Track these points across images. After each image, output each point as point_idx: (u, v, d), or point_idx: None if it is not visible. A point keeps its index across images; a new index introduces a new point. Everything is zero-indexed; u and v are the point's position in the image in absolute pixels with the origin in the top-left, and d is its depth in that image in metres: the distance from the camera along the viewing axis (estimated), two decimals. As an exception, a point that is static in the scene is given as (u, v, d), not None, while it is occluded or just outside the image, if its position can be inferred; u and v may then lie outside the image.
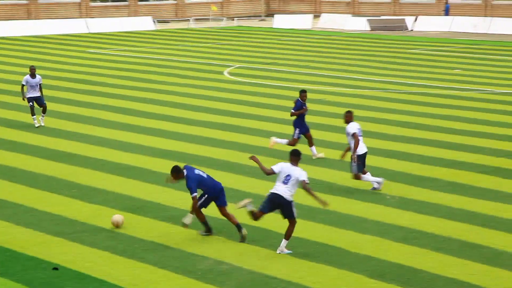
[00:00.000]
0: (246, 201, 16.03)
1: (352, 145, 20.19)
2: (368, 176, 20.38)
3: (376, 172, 21.65)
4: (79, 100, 34.11)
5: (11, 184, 20.92)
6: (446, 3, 72.97)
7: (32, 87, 27.96)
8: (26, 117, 29.93)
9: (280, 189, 15.65)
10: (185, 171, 16.34)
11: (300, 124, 23.47)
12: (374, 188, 20.36)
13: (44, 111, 28.25)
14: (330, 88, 38.11)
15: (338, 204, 19.27)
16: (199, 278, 14.53)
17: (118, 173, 22.08)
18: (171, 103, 33.55)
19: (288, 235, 15.75)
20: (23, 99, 28.36)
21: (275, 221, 17.79)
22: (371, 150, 24.51)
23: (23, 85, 28.09)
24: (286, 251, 15.74)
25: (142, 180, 21.36)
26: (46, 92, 31.81)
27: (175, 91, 36.90)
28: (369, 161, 22.94)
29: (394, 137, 26.95)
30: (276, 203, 15.70)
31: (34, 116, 28.05)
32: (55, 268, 12.08)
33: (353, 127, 20.25)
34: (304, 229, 17.33)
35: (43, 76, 40.49)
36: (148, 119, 30.13)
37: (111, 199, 19.50)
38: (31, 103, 27.97)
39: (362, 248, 16.20)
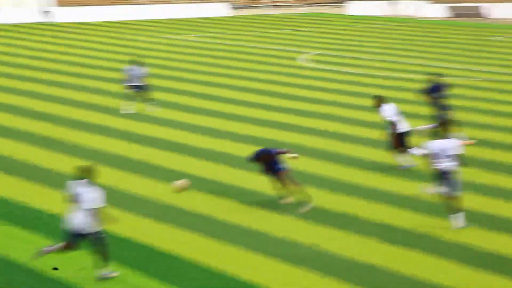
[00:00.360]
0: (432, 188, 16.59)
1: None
2: (414, 150, 20.87)
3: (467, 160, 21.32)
4: (156, 85, 34.36)
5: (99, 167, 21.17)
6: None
7: (136, 77, 28.42)
8: (111, 102, 30.35)
9: (443, 163, 16.07)
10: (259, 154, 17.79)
11: (441, 106, 23.39)
12: (405, 167, 20.83)
13: (147, 100, 28.58)
14: (407, 75, 37.67)
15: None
16: (293, 263, 14.42)
17: (200, 157, 22.17)
18: (247, 89, 33.60)
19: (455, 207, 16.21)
20: (124, 88, 28.81)
21: (364, 208, 17.68)
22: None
23: (128, 75, 28.55)
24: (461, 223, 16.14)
25: (225, 164, 21.40)
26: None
27: (250, 76, 36.93)
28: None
29: (483, 125, 26.53)
30: (444, 176, 16.09)
31: (130, 103, 28.51)
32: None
33: (385, 110, 20.79)
34: (386, 215, 17.17)
35: (118, 61, 41.02)
36: (226, 104, 30.23)
37: (194, 182, 19.55)
38: (131, 90, 28.43)
39: (448, 234, 15.94)
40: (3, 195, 18.63)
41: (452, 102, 30.43)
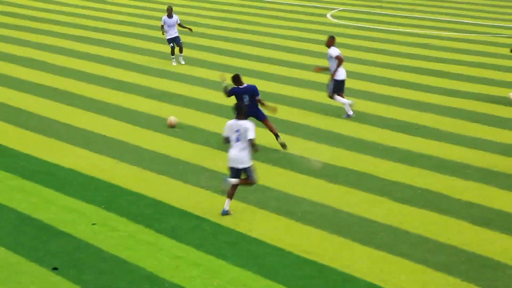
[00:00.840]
0: None
1: (334, 67, 21.49)
2: (341, 98, 21.64)
3: None
4: (183, 42, 34.39)
5: (117, 122, 21.35)
6: None
7: (170, 27, 29.06)
8: (137, 59, 30.47)
9: None
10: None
11: None
12: (348, 115, 21.58)
13: (181, 51, 29.29)
14: (436, 32, 37.33)
15: (438, 149, 19.01)
16: (299, 219, 14.57)
17: (220, 114, 22.22)
18: (273, 46, 33.49)
19: None
20: (163, 33, 29.37)
21: (371, 165, 17.70)
22: None
23: (162, 25, 29.23)
24: None
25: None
26: (159, 33, 32.29)
27: (277, 33, 36.78)
28: None
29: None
30: None
31: (173, 56, 29.27)
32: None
33: (335, 50, 21.38)
34: (401, 173, 17.18)
35: (146, 17, 41.03)
36: (251, 61, 30.19)
37: (213, 140, 19.66)
38: (171, 44, 29.22)
39: (463, 194, 15.93)
40: (11, 147, 18.94)
41: (473, 59, 30.25)
